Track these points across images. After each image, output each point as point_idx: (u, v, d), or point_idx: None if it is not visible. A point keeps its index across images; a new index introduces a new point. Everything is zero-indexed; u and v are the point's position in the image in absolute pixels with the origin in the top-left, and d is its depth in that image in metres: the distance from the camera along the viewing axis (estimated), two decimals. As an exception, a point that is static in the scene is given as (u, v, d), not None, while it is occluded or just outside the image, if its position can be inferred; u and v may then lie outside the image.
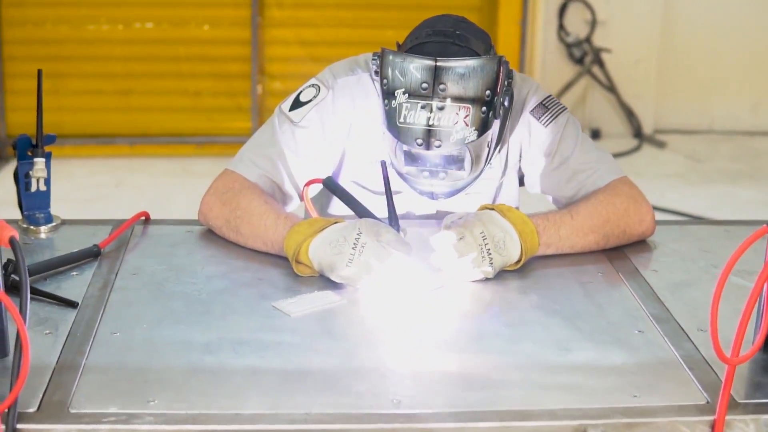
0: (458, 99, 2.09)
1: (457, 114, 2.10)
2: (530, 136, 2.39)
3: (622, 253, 2.28)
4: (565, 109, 2.40)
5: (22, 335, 1.51)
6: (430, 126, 2.11)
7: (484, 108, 2.11)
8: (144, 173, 5.84)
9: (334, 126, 2.35)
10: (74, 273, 2.08)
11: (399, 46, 2.27)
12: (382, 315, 1.97)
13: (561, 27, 6.56)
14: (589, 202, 2.26)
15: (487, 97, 2.11)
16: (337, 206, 2.45)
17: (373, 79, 2.36)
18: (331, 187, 2.22)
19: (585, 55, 6.57)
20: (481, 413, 1.62)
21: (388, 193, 2.15)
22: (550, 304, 2.02)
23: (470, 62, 2.10)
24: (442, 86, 2.09)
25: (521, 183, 2.53)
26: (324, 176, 2.34)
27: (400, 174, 2.26)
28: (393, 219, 2.13)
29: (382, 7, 6.10)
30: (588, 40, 6.58)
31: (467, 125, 2.11)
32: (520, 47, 6.29)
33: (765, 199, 5.70)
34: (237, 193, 2.23)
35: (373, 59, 2.21)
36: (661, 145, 6.35)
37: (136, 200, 5.38)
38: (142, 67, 6.15)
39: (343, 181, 2.41)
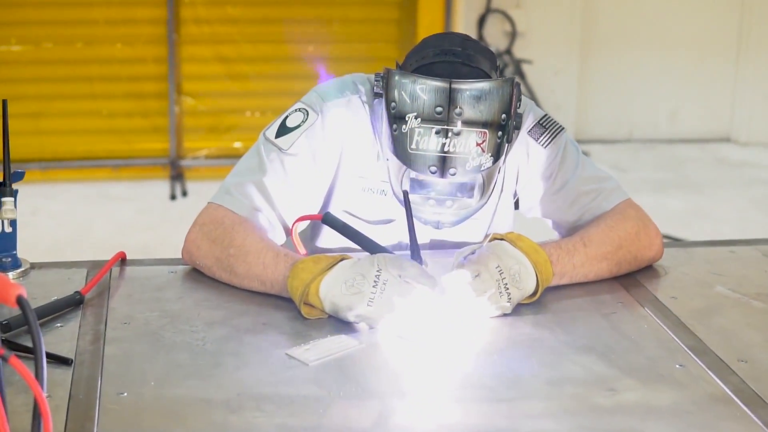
0: (475, 124, 1.96)
1: (474, 140, 1.96)
2: (528, 158, 2.27)
3: (634, 279, 2.18)
4: (563, 128, 2.29)
5: (42, 405, 1.32)
6: (445, 153, 1.97)
7: (499, 132, 1.98)
8: (59, 200, 5.56)
9: (325, 153, 2.19)
10: (58, 324, 1.89)
11: (399, 66, 2.12)
12: (406, 359, 1.82)
13: (481, 39, 6.49)
14: (600, 227, 2.15)
15: (503, 121, 1.98)
16: (326, 240, 2.29)
17: (363, 102, 2.21)
18: (332, 222, 2.06)
19: (506, 67, 6.51)
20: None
21: (411, 223, 2.00)
22: (579, 339, 1.90)
23: (485, 84, 1.97)
24: (458, 110, 1.95)
25: (516, 206, 2.40)
26: (319, 212, 2.19)
27: (401, 201, 2.11)
28: (416, 251, 1.98)
29: (301, 22, 5.95)
30: (508, 51, 6.53)
31: (484, 151, 1.98)
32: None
33: (694, 208, 5.72)
34: (228, 229, 2.05)
35: (376, 80, 2.06)
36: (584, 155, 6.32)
37: (54, 228, 5.12)
38: (52, 89, 5.86)
39: (334, 212, 2.24)
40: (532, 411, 1.66)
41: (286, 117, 2.21)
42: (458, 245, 2.21)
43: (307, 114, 2.19)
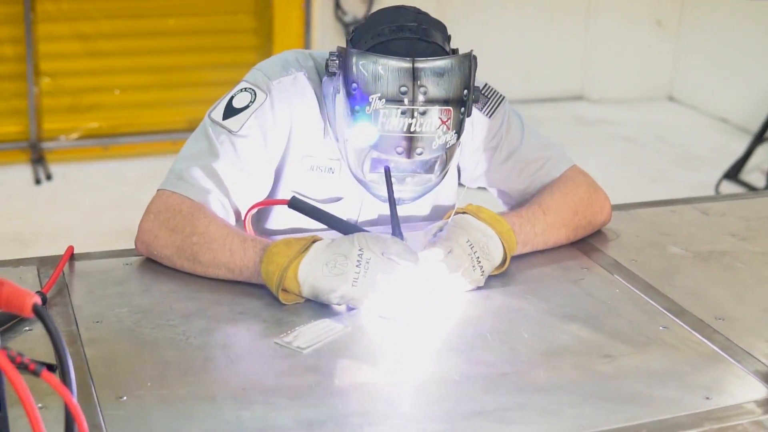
0: (439, 101, 1.92)
1: (440, 118, 1.93)
2: (473, 129, 2.25)
3: (590, 244, 2.21)
4: (504, 97, 2.29)
5: (76, 415, 1.24)
6: (411, 133, 1.93)
7: (462, 108, 1.96)
8: None
9: (275, 132, 2.12)
10: (26, 328, 1.78)
11: (352, 43, 2.06)
12: (397, 341, 1.80)
13: (338, 6, 6.44)
14: (555, 195, 2.16)
15: (465, 97, 1.96)
16: (274, 222, 2.23)
17: (308, 79, 2.15)
18: (299, 206, 2.00)
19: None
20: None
21: (392, 199, 1.96)
22: (558, 308, 1.92)
23: (447, 61, 1.94)
24: (423, 89, 1.91)
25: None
26: (268, 194, 2.13)
27: (359, 181, 2.07)
28: (396, 227, 1.95)
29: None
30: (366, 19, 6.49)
31: (448, 129, 1.95)
32: (305, 30, 6.12)
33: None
34: (188, 216, 1.97)
35: (331, 59, 2.00)
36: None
37: None
38: None
39: (283, 191, 2.19)
40: (538, 383, 1.66)
41: (232, 97, 2.14)
42: (405, 219, 2.19)
43: (255, 94, 2.12)
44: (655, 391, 1.65)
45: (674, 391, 1.65)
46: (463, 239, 1.94)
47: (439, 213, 2.33)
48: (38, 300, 1.30)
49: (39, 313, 1.30)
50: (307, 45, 6.07)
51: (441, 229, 1.99)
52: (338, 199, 2.21)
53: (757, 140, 5.61)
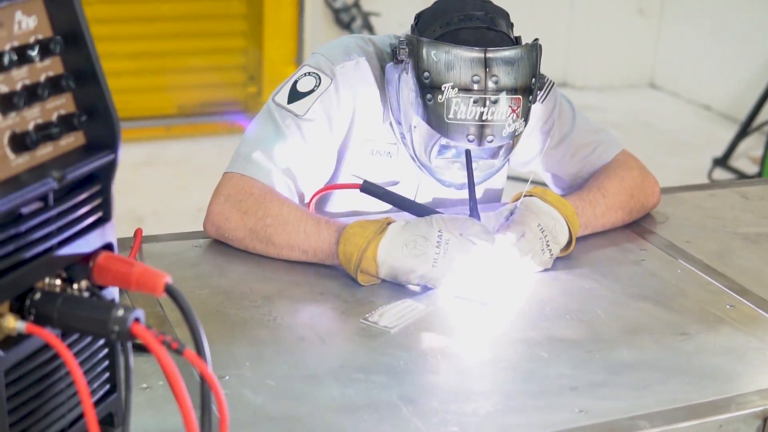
0: (510, 91, 1.97)
1: (510, 106, 1.97)
2: (526, 113, 2.29)
3: (643, 227, 2.26)
4: (554, 83, 2.33)
5: (212, 384, 1.27)
6: (483, 122, 1.97)
7: (530, 97, 2.00)
8: None
9: (339, 117, 2.15)
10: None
11: (418, 31, 2.09)
12: (479, 320, 1.84)
13: (328, -10, 6.46)
14: (612, 178, 2.21)
15: (533, 85, 2.00)
16: (335, 205, 2.27)
17: (370, 64, 2.18)
18: (372, 190, 2.04)
19: (353, 21, 6.51)
20: (672, 412, 1.55)
21: (471, 182, 2.00)
22: (628, 288, 1.97)
23: (518, 51, 1.98)
24: (494, 78, 1.96)
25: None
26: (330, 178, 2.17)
27: (424, 166, 2.11)
28: (474, 209, 1.99)
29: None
30: (356, 4, 6.52)
31: (518, 117, 2.00)
32: (297, 15, 6.13)
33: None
34: (260, 199, 1.99)
35: (400, 47, 2.03)
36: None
37: None
38: None
39: (343, 175, 2.22)
40: (623, 360, 1.71)
41: (296, 81, 2.16)
42: (459, 202, 2.23)
43: (319, 78, 2.14)
44: (735, 367, 1.70)
45: (753, 366, 1.71)
46: (534, 224, 1.98)
47: (489, 196, 2.37)
48: (170, 280, 1.32)
49: (172, 292, 1.32)
50: (298, 30, 6.08)
51: (512, 212, 2.03)
52: (395, 183, 2.25)
53: (745, 128, 5.70)
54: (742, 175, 5.51)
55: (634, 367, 1.68)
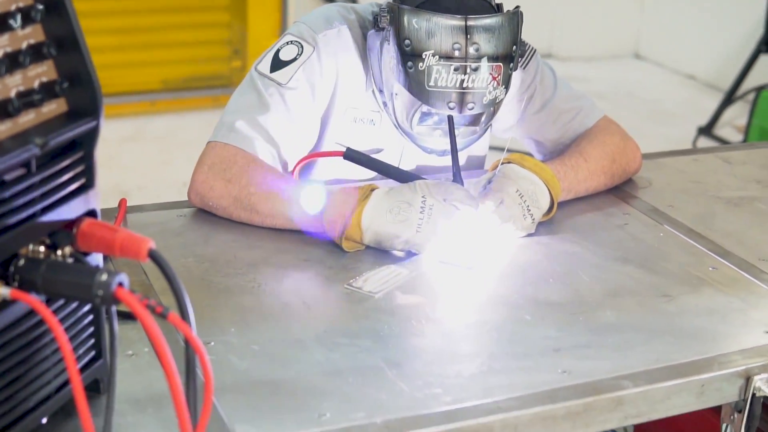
0: (491, 58, 1.97)
1: (491, 74, 1.98)
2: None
3: (625, 192, 2.27)
4: (536, 50, 2.34)
5: (197, 348, 1.28)
6: (463, 89, 1.98)
7: (511, 64, 2.01)
8: None
9: (321, 85, 2.16)
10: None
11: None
12: (463, 285, 1.85)
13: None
14: (593, 143, 2.22)
15: (514, 53, 2.01)
16: (319, 173, 2.27)
17: (352, 33, 2.18)
18: (355, 157, 2.04)
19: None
20: (655, 372, 1.57)
21: (454, 147, 2.01)
22: (611, 251, 1.98)
23: (499, 19, 1.98)
24: (475, 46, 1.96)
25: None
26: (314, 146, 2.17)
27: (406, 133, 2.12)
28: (457, 174, 2.00)
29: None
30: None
31: (499, 84, 2.00)
32: (281, -11, 6.12)
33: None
34: (244, 167, 2.00)
35: (382, 14, 2.03)
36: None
37: None
38: None
39: (326, 143, 2.22)
40: (607, 322, 1.72)
41: (278, 50, 2.16)
42: (442, 169, 2.24)
43: (302, 47, 2.14)
44: (717, 327, 1.72)
45: (735, 326, 1.73)
46: (513, 189, 1.99)
47: (472, 163, 2.38)
48: (153, 245, 1.32)
49: (155, 257, 1.32)
50: (282, 4, 6.06)
51: (490, 181, 2.03)
52: (379, 150, 2.25)
53: (729, 97, 5.71)
54: (726, 143, 5.53)
55: (618, 328, 1.70)
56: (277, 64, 2.13)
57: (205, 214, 2.05)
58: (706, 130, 5.67)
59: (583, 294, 1.80)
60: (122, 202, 2.03)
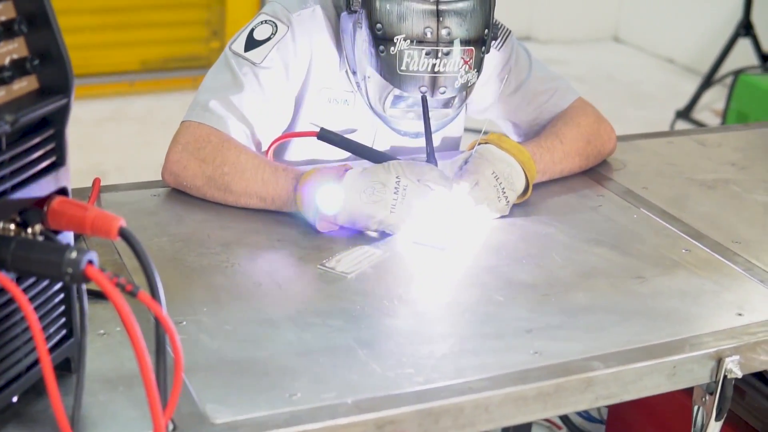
0: (463, 42, 1.97)
1: (462, 58, 1.98)
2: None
3: (600, 174, 2.28)
4: (510, 31, 2.34)
5: (167, 327, 1.27)
6: (435, 73, 1.98)
7: (483, 48, 2.01)
8: None
9: (296, 64, 2.15)
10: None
11: None
12: (436, 265, 1.86)
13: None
14: (569, 124, 2.23)
15: (486, 36, 2.00)
16: (294, 153, 2.26)
17: (325, 11, 2.18)
18: (328, 137, 2.04)
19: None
20: (626, 353, 1.57)
21: (428, 128, 2.00)
22: (584, 233, 1.99)
23: (470, 3, 1.98)
24: (446, 30, 1.96)
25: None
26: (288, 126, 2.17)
27: (379, 115, 2.12)
28: (431, 154, 2.00)
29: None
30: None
31: (471, 68, 2.00)
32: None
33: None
34: (218, 147, 1.99)
35: None
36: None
37: None
38: None
39: (301, 123, 2.22)
40: (580, 303, 1.73)
41: (252, 30, 2.15)
42: (416, 150, 2.24)
43: (276, 26, 2.13)
44: (690, 309, 1.73)
45: (708, 308, 1.74)
46: (489, 171, 1.99)
47: (447, 144, 2.38)
48: (124, 223, 1.32)
49: (126, 235, 1.32)
50: (261, -16, 6.04)
51: (466, 161, 2.03)
52: (353, 131, 2.25)
53: (708, 81, 5.73)
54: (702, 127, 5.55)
55: (590, 309, 1.70)
56: (252, 43, 2.12)
57: (179, 194, 2.04)
58: (684, 114, 5.68)
59: (555, 275, 1.81)
60: (96, 181, 2.02)
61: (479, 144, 2.06)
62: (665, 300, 1.74)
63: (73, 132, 4.47)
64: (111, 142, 5.22)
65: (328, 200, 1.86)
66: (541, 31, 7.31)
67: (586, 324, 1.66)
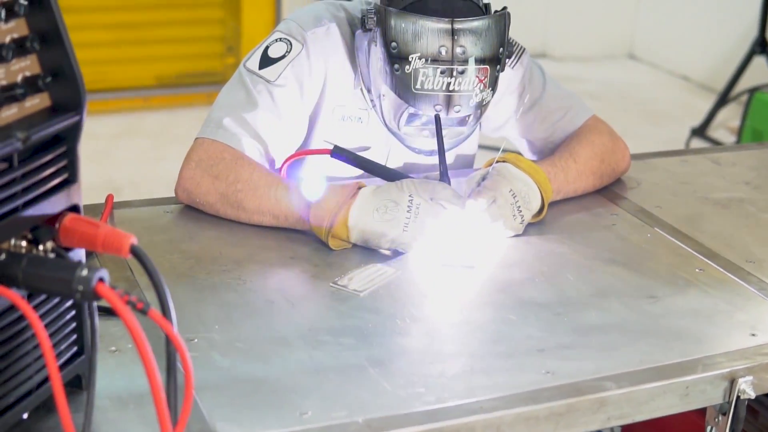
0: (478, 61, 1.97)
1: (477, 76, 1.98)
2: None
3: (614, 192, 2.27)
4: (525, 49, 2.34)
5: (178, 346, 1.27)
6: (450, 92, 1.97)
7: (498, 66, 2.00)
8: None
9: (310, 82, 2.15)
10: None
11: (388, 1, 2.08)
12: (449, 283, 1.85)
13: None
14: (583, 143, 2.22)
15: (501, 54, 2.00)
16: (307, 170, 2.26)
17: (341, 31, 2.18)
18: (342, 155, 2.04)
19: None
20: (639, 373, 1.57)
21: (441, 147, 2.01)
22: (598, 252, 1.98)
23: (485, 21, 1.98)
24: (461, 49, 1.95)
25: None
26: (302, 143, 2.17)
27: (394, 133, 2.12)
28: (444, 173, 2.00)
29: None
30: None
31: (485, 86, 2.00)
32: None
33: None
34: (231, 164, 1.99)
35: (369, 15, 2.03)
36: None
37: None
38: None
39: (315, 141, 2.22)
40: (591, 323, 1.72)
41: (267, 47, 2.15)
42: (430, 167, 2.24)
43: (290, 44, 2.14)
44: (703, 329, 1.72)
45: (721, 328, 1.73)
46: (506, 189, 1.99)
47: (461, 162, 2.38)
48: (135, 241, 1.32)
49: (137, 253, 1.32)
50: (276, 1, 6.05)
51: (483, 178, 2.03)
52: (366, 149, 2.25)
53: (723, 98, 5.71)
54: (719, 145, 5.53)
55: (602, 329, 1.69)
56: (266, 61, 2.13)
57: (192, 211, 2.04)
58: (699, 132, 5.67)
59: (568, 294, 1.80)
60: (109, 197, 2.02)
61: (497, 162, 2.06)
62: (678, 320, 1.73)
63: (87, 147, 4.51)
64: (125, 157, 5.24)
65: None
66: (556, 47, 7.31)
67: (598, 343, 1.65)
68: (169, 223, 2.01)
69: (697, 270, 1.91)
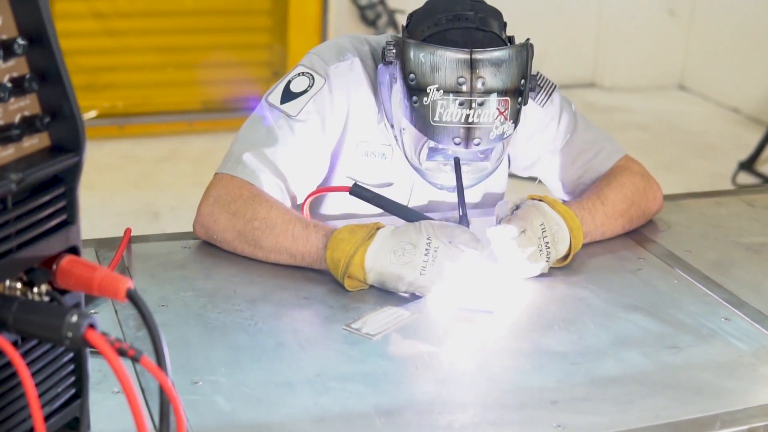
0: (497, 92, 1.93)
1: (497, 108, 1.93)
2: (526, 118, 2.25)
3: (643, 235, 2.21)
4: (556, 85, 2.29)
5: (171, 398, 1.24)
6: (469, 124, 1.94)
7: (519, 98, 1.96)
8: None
9: (332, 118, 2.12)
10: (92, 311, 1.77)
11: (408, 32, 2.05)
12: (464, 327, 1.80)
13: (352, -13, 6.43)
14: (612, 185, 2.17)
15: (522, 86, 1.96)
16: (330, 207, 2.23)
17: (364, 65, 2.15)
18: (361, 193, 2.01)
19: (378, 18, 6.47)
20: (654, 428, 1.51)
21: (460, 189, 1.97)
22: (620, 298, 1.92)
23: (505, 52, 1.94)
24: (481, 80, 1.92)
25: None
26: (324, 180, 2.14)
27: (416, 168, 2.08)
28: (464, 216, 1.96)
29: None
30: (382, 1, 6.48)
31: (506, 119, 1.95)
32: (321, 11, 6.11)
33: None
34: (249, 201, 1.97)
35: (388, 48, 2.00)
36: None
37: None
38: None
39: (337, 177, 2.19)
40: (609, 373, 1.67)
41: (289, 82, 2.13)
42: (453, 205, 2.20)
43: (313, 78, 2.11)
44: (724, 383, 1.66)
45: (743, 382, 1.67)
46: (538, 222, 1.94)
47: (489, 200, 2.34)
48: (131, 285, 1.29)
49: (133, 298, 1.29)
50: (323, 27, 6.06)
51: (518, 206, 1.99)
52: (389, 185, 2.22)
53: (772, 131, 5.62)
54: (766, 180, 5.43)
55: (619, 380, 1.64)
56: (288, 95, 2.11)
57: (210, 247, 2.02)
58: (747, 165, 5.57)
59: (587, 342, 1.75)
60: (126, 231, 2.01)
61: (531, 199, 2.01)
62: (699, 372, 1.68)
63: (130, 171, 4.57)
64: (166, 181, 5.25)
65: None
66: (605, 78, 7.23)
67: (613, 396, 1.59)
68: (186, 259, 1.99)
69: (722, 319, 1.85)
